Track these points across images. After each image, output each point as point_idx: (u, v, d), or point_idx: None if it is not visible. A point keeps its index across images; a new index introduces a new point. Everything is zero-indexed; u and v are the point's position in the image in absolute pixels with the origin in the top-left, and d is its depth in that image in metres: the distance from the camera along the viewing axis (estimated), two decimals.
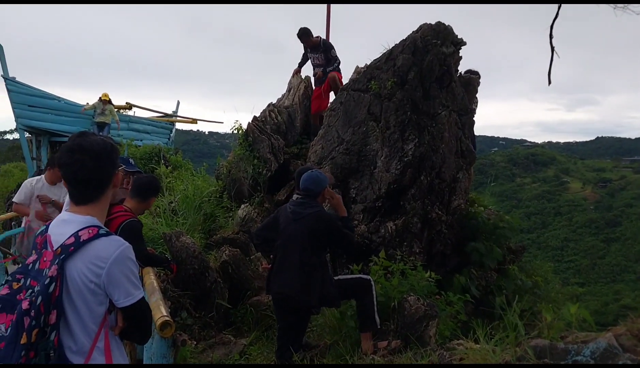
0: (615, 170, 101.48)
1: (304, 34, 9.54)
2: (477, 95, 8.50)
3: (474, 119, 8.01)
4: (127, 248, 2.15)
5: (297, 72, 10.26)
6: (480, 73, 8.56)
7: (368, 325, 4.61)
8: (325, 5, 10.76)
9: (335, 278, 4.66)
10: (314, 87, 10.01)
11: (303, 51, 10.00)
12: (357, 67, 9.45)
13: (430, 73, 7.30)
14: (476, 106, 8.57)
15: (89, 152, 2.14)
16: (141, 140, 16.15)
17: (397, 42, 7.59)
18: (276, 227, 4.80)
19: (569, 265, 71.43)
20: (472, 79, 8.61)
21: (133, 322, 2.22)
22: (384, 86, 7.32)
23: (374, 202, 6.99)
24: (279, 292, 4.60)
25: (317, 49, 9.56)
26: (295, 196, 4.93)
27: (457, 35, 7.60)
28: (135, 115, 19.04)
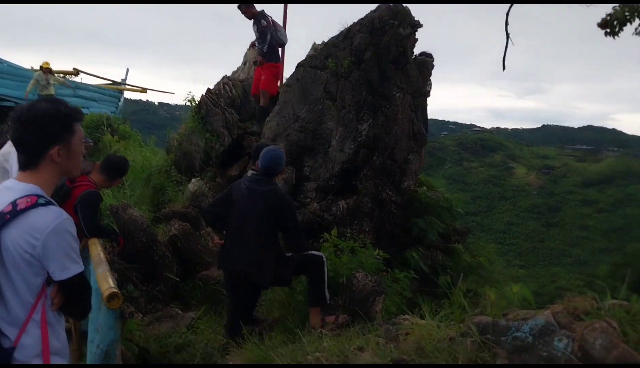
0: (558, 158, 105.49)
1: (243, 5, 8.84)
2: (430, 78, 8.62)
3: (427, 101, 8.12)
4: (66, 220, 2.08)
5: (253, 45, 9.73)
6: (434, 56, 8.67)
7: (318, 300, 4.66)
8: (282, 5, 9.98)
9: (288, 254, 4.68)
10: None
11: None
12: (315, 43, 9.38)
13: (386, 54, 7.34)
14: (430, 88, 8.70)
15: (27, 116, 2.08)
16: (88, 108, 15.61)
17: (355, 21, 7.57)
18: (229, 202, 4.75)
19: (511, 247, 74.16)
20: (426, 62, 8.70)
21: (70, 297, 2.15)
22: (340, 64, 7.31)
23: (327, 181, 7.03)
24: (233, 269, 4.59)
25: (255, 21, 8.92)
26: (250, 172, 4.90)
27: (414, 17, 7.65)
28: (82, 81, 18.35)
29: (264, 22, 8.72)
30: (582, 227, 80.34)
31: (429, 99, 8.32)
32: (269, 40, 8.77)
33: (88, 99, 16.84)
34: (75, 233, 2.13)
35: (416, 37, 7.87)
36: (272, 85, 8.86)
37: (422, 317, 2.66)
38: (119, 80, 19.98)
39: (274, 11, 8.92)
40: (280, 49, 9.22)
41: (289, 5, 9.91)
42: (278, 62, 9.09)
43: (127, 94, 20.88)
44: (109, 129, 12.16)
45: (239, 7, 8.87)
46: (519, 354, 1.97)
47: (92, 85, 18.29)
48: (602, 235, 77.76)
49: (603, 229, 78.74)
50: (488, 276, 7.62)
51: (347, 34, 7.53)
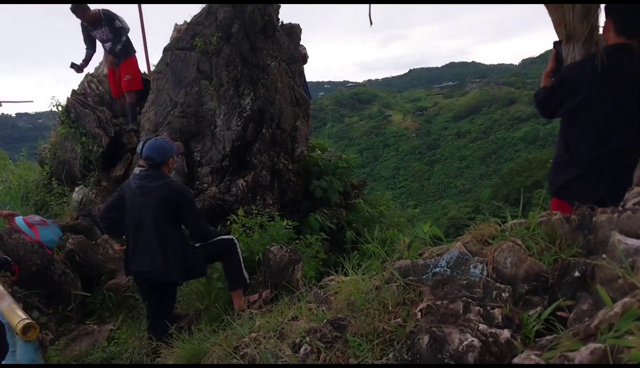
0: (428, 98, 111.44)
1: (79, 8, 7.87)
2: (301, 43, 8.69)
3: (302, 66, 8.19)
4: None
5: (81, 67, 8.43)
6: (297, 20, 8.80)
7: (238, 282, 4.64)
8: (136, 5, 9.35)
9: (197, 245, 4.59)
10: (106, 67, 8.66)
11: (82, 30, 8.26)
12: (176, 24, 9.02)
13: (253, 24, 7.26)
14: (306, 52, 8.79)
15: None
16: None
17: None
18: (122, 205, 4.55)
19: (402, 190, 77.96)
20: (294, 27, 8.76)
21: None
22: (209, 42, 7.12)
23: (220, 162, 6.92)
24: (140, 271, 4.43)
25: (99, 23, 8.06)
26: (138, 169, 4.70)
27: None
28: None
29: (118, 23, 8.07)
30: (460, 158, 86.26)
31: (309, 60, 8.44)
32: (125, 40, 8.20)
33: None
34: None
35: (279, 4, 7.86)
36: (135, 82, 8.34)
37: (345, 275, 2.76)
38: None
39: (122, 11, 8.29)
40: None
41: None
42: (134, 53, 8.46)
43: None
44: None
45: (74, 13, 7.91)
46: (442, 287, 2.12)
47: None
48: (480, 162, 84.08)
49: (479, 156, 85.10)
50: (390, 222, 8.01)
51: (209, 10, 7.33)
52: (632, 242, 1.65)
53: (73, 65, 8.31)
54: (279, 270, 4.67)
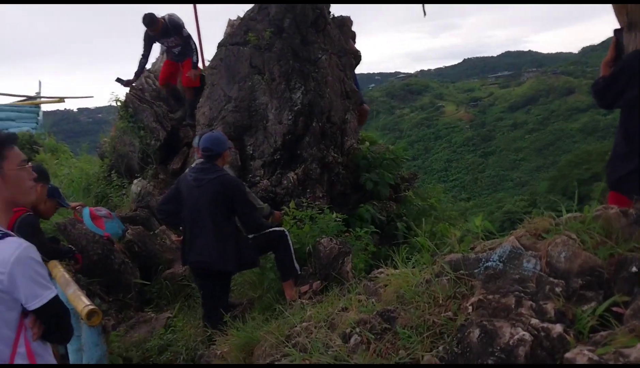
0: (483, 88, 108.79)
1: (152, 22, 8.00)
2: (354, 35, 8.69)
3: (352, 59, 8.19)
4: (27, 248, 2.04)
5: (129, 83, 8.64)
6: (348, 13, 8.78)
7: (289, 273, 4.74)
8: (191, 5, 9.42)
9: (250, 236, 4.71)
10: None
11: (144, 37, 8.38)
12: (230, 20, 9.19)
13: (304, 18, 7.32)
14: (354, 41, 8.77)
15: None
16: (7, 129, 14.76)
17: None
18: (179, 197, 4.71)
19: (454, 183, 76.58)
20: (345, 20, 8.75)
21: (49, 323, 2.12)
22: (261, 37, 7.23)
23: (272, 156, 7.03)
24: (197, 261, 4.58)
25: (168, 33, 8.21)
26: (195, 163, 4.85)
27: None
28: None
29: (185, 32, 8.31)
30: (516, 149, 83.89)
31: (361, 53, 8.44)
32: (193, 47, 8.40)
33: (5, 120, 15.93)
34: (39, 259, 2.10)
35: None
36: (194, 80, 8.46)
37: (395, 268, 2.77)
38: (33, 94, 18.96)
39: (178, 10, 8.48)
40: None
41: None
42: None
43: (45, 106, 19.89)
44: (35, 146, 11.60)
45: (146, 25, 8.07)
46: (494, 282, 2.10)
47: (6, 105, 17.32)
48: (536, 154, 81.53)
49: (536, 148, 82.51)
50: (440, 215, 7.92)
51: (262, 5, 7.44)
52: None
53: (119, 80, 8.56)
54: (329, 262, 4.72)
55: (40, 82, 19.31)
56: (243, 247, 4.62)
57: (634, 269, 1.74)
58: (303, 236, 5.18)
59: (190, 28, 8.63)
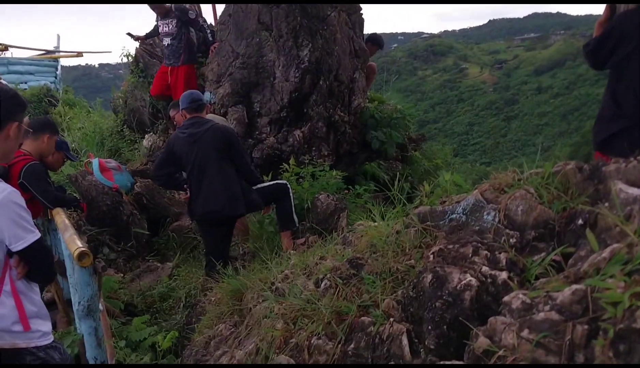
0: (508, 51, 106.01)
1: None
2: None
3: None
4: (11, 193, 2.16)
5: (138, 38, 8.26)
6: None
7: (287, 224, 4.90)
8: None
9: (254, 187, 4.85)
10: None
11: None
12: None
13: None
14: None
15: None
16: (26, 83, 15.02)
17: None
18: (173, 159, 4.78)
19: (476, 147, 75.62)
20: None
21: (32, 264, 2.27)
22: None
23: (278, 113, 7.09)
24: (205, 212, 4.68)
25: (169, 15, 7.69)
26: (183, 122, 4.91)
27: None
28: (13, 56, 17.54)
29: (192, 14, 7.65)
30: (540, 114, 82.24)
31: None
32: (209, 31, 7.73)
33: (24, 74, 16.13)
34: (23, 203, 2.22)
35: None
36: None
37: (374, 220, 2.87)
38: (51, 48, 19.11)
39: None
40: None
41: None
42: (194, 63, 8.04)
43: (64, 61, 20.06)
44: (53, 100, 11.80)
45: (150, 4, 7.69)
46: (456, 233, 2.19)
47: (25, 58, 17.51)
48: (561, 119, 79.84)
49: (560, 113, 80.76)
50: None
51: None
52: (633, 191, 1.66)
53: (130, 35, 8.21)
54: (325, 218, 4.85)
55: (58, 36, 19.42)
56: (247, 190, 4.77)
57: (580, 222, 1.81)
58: (302, 192, 5.30)
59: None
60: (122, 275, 5.54)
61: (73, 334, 3.68)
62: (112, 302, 4.52)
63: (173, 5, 7.72)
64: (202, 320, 3.73)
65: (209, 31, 7.84)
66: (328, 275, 2.43)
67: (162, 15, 7.78)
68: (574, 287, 1.49)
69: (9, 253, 2.20)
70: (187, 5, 7.76)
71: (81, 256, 2.67)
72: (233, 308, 3.36)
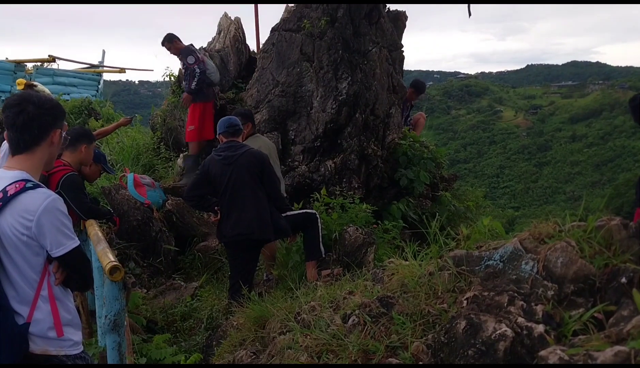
0: (544, 97, 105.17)
1: (165, 40, 7.70)
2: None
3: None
4: (55, 200, 2.22)
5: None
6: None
7: (314, 254, 4.89)
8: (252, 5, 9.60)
9: (284, 214, 4.86)
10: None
11: None
12: (287, 5, 9.33)
13: (359, 9, 7.38)
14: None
15: (32, 99, 2.23)
16: (68, 94, 15.50)
17: None
18: (208, 180, 4.82)
19: (505, 190, 74.62)
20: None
21: (71, 271, 2.31)
22: (316, 25, 7.35)
23: (312, 142, 7.16)
24: (237, 234, 4.68)
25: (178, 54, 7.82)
26: (219, 146, 4.97)
27: None
28: (59, 68, 18.15)
29: (190, 59, 7.53)
30: (573, 163, 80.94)
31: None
32: (198, 77, 7.52)
33: (67, 85, 16.69)
34: (65, 211, 2.27)
35: None
36: (199, 132, 7.77)
37: (405, 259, 2.84)
38: (96, 62, 19.76)
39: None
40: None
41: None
42: (208, 101, 7.87)
43: (106, 76, 20.69)
44: (93, 113, 12.12)
45: (162, 45, 7.78)
46: (492, 280, 2.15)
47: (70, 71, 18.11)
48: (594, 169, 78.41)
49: (594, 163, 79.36)
50: (476, 219, 7.84)
51: None
52: None
53: None
54: (352, 250, 4.82)
55: (104, 51, 20.06)
56: (276, 216, 4.79)
57: (624, 280, 1.76)
58: (331, 223, 5.29)
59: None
60: (145, 290, 5.57)
61: (94, 346, 3.70)
62: (135, 318, 4.53)
63: (181, 49, 7.69)
64: (222, 344, 3.71)
65: (196, 78, 7.54)
66: (357, 311, 2.40)
67: (174, 53, 7.84)
68: (617, 348, 1.44)
69: (49, 259, 2.24)
70: (193, 50, 7.71)
71: (113, 270, 2.70)
72: (255, 335, 3.33)
